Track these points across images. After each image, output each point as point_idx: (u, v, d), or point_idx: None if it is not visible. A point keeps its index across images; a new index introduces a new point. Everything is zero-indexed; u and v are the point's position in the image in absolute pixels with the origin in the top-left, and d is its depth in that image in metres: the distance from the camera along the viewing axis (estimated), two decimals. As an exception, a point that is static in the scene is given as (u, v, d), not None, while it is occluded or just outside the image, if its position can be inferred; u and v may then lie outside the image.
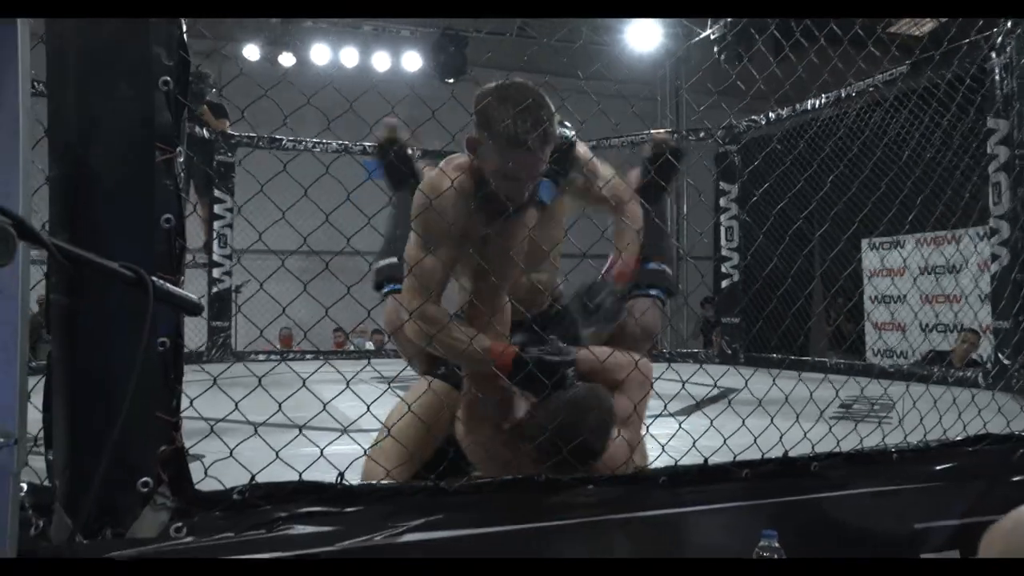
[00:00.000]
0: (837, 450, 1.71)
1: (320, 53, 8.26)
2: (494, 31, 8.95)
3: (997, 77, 4.33)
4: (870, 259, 7.17)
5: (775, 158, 4.84)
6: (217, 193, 6.50)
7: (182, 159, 1.26)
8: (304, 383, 1.47)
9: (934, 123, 4.70)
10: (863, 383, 2.27)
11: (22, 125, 1.07)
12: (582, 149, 1.89)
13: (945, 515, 1.68)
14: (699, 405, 2.94)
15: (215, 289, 6.50)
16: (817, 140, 5.26)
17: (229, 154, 6.49)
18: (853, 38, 2.19)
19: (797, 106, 5.59)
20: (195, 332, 6.48)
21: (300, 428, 1.35)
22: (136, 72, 1.20)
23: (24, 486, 1.29)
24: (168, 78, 1.22)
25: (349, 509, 1.31)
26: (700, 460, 1.57)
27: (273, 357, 6.74)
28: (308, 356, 6.35)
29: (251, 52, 7.99)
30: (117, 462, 1.18)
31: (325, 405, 1.39)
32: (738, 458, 1.61)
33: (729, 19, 8.57)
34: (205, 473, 1.27)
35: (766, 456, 1.63)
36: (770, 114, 5.96)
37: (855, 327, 7.11)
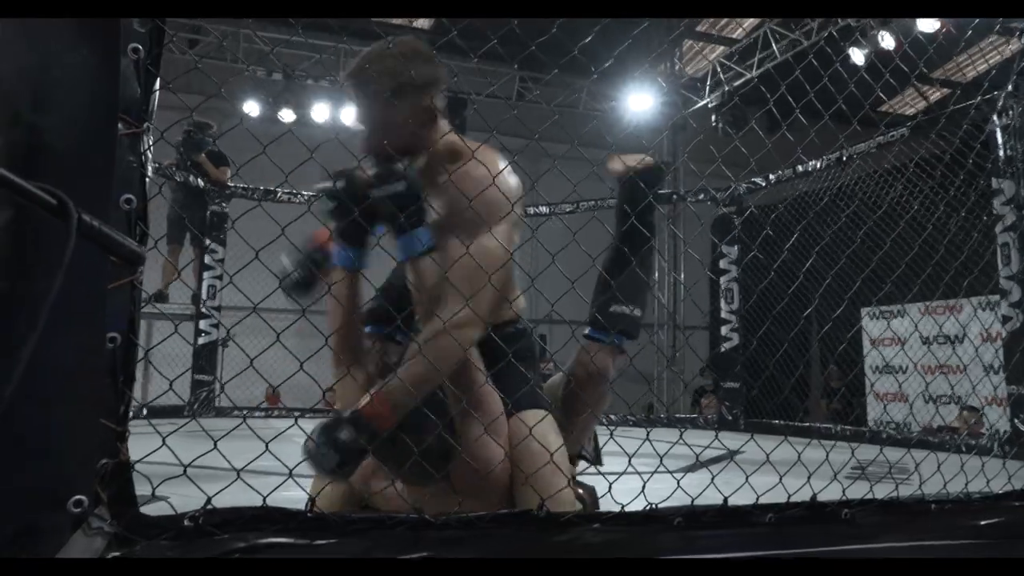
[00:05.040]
0: (871, 496, 1.53)
1: (320, 111, 8.29)
2: (493, 95, 9.05)
3: (1000, 138, 4.30)
4: (871, 328, 7.05)
5: (778, 222, 4.77)
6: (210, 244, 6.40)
7: (151, 137, 1.14)
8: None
9: (935, 189, 4.65)
10: (876, 448, 2.10)
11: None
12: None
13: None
14: (702, 464, 2.76)
15: (201, 341, 6.31)
16: (817, 205, 5.22)
17: (223, 204, 6.41)
18: (853, 114, 2.08)
19: (798, 168, 5.55)
20: (177, 385, 6.27)
21: (238, 472, 1.17)
22: (102, 36, 1.08)
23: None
24: (139, 45, 1.10)
25: (319, 541, 1.13)
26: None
27: (257, 414, 6.52)
28: (296, 414, 6.13)
29: (251, 108, 8.02)
30: (46, 474, 1.01)
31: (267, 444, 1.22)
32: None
33: (726, 88, 8.69)
34: (153, 494, 1.10)
35: (792, 500, 1.46)
36: (770, 176, 5.92)
37: (852, 397, 6.94)
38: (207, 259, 6.36)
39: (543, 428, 1.58)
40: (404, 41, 1.58)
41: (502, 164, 1.55)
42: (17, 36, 1.07)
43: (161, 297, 6.20)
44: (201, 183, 6.22)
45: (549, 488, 1.46)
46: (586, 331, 1.87)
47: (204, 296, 6.34)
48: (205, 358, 6.32)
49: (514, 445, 1.55)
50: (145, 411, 5.81)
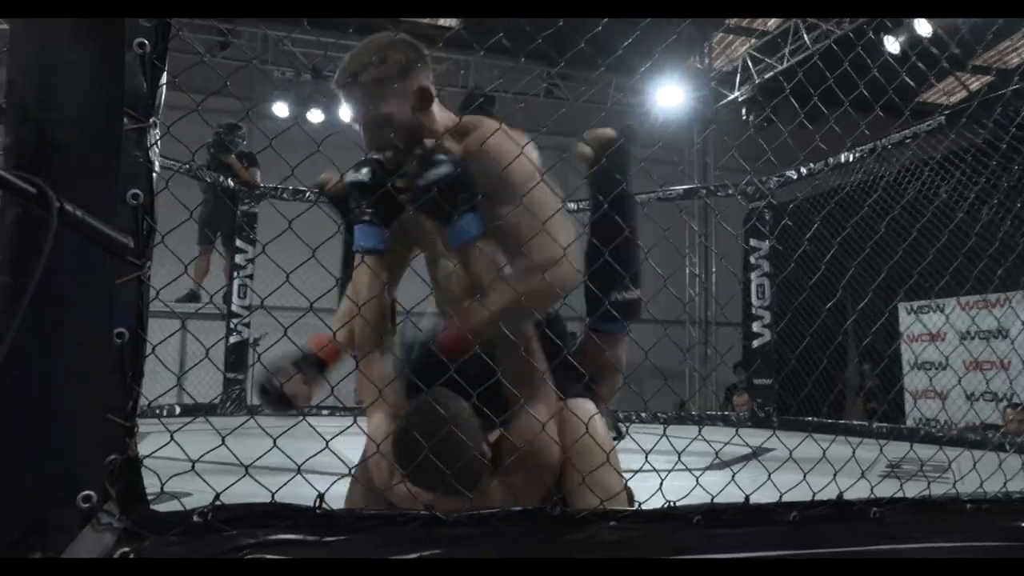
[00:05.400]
0: (901, 494, 1.48)
1: (348, 111, 8.31)
2: (521, 91, 9.02)
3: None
4: (908, 324, 6.88)
5: (807, 216, 4.67)
6: (239, 243, 6.47)
7: (158, 131, 1.13)
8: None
9: (973, 178, 4.52)
10: (910, 446, 2.01)
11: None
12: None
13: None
14: (726, 463, 2.70)
15: (232, 340, 6.38)
16: (852, 199, 5.11)
17: (253, 204, 6.47)
18: (890, 104, 2.01)
19: (830, 160, 5.43)
20: (210, 385, 6.35)
21: (246, 468, 1.16)
22: (106, 32, 1.08)
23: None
24: (144, 40, 1.10)
25: (329, 538, 1.12)
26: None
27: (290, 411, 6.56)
28: (325, 412, 6.15)
29: (280, 109, 8.09)
30: (54, 470, 1.01)
31: (275, 440, 1.20)
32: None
33: (757, 82, 8.56)
34: (162, 489, 1.09)
35: (817, 498, 1.41)
36: (802, 169, 5.81)
37: (887, 394, 6.78)
38: (237, 259, 6.43)
39: (595, 419, 1.57)
40: (376, 37, 1.57)
41: (514, 134, 1.56)
42: (23, 34, 1.08)
43: (193, 297, 6.29)
44: (231, 183, 6.29)
45: (608, 487, 1.46)
46: (592, 323, 1.82)
47: (235, 296, 6.42)
48: (236, 357, 6.38)
49: (568, 436, 1.53)
50: (178, 409, 5.90)
